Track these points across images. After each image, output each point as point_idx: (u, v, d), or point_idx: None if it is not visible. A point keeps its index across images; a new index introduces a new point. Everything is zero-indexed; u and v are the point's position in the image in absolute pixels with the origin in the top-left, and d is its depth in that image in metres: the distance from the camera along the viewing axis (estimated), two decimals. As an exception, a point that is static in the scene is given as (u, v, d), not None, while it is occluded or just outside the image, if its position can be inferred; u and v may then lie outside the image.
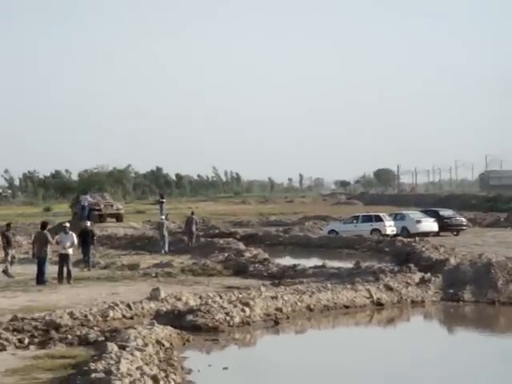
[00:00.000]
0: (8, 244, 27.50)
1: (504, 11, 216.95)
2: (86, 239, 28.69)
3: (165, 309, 19.28)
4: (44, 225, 26.45)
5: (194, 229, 39.27)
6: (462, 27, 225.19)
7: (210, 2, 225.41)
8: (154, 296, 20.16)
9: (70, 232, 26.20)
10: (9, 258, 27.41)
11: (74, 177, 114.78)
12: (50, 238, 25.54)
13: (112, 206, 53.45)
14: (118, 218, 52.94)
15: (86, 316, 17.88)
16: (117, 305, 18.92)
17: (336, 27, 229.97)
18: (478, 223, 53.76)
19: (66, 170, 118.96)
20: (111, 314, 18.34)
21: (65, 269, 25.45)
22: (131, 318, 18.56)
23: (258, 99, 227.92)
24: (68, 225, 27.18)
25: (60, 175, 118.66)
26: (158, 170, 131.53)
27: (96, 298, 21.78)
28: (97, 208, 51.67)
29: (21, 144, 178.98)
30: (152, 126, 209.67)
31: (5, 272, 26.99)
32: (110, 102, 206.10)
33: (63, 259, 25.52)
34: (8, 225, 28.98)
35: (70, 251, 25.71)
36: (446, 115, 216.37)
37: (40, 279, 25.15)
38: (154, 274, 27.67)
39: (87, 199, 51.61)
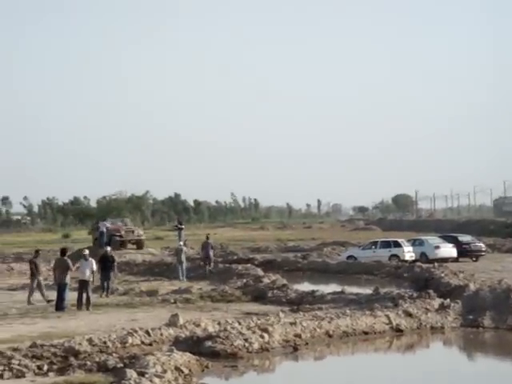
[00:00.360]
0: (36, 271, 27.68)
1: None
2: (106, 265, 28.81)
3: (183, 335, 19.27)
4: (64, 251, 26.58)
5: (211, 253, 39.32)
6: (478, 49, 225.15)
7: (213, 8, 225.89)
8: (172, 322, 20.16)
9: (90, 258, 26.32)
10: (34, 285, 27.57)
11: (93, 203, 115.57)
12: (70, 264, 25.65)
13: (133, 232, 53.30)
14: (139, 244, 52.73)
15: (104, 342, 17.89)
16: (135, 331, 18.93)
17: (351, 46, 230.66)
18: (497, 249, 53.47)
19: (85, 197, 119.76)
20: (130, 340, 18.35)
21: (84, 295, 25.54)
22: (150, 344, 18.55)
23: (275, 124, 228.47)
24: (87, 251, 27.27)
25: (79, 202, 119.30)
26: (176, 196, 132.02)
27: (115, 324, 21.81)
28: (118, 234, 51.57)
29: (39, 171, 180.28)
30: (170, 153, 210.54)
31: (48, 300, 27.12)
32: (127, 127, 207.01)
33: (83, 286, 25.60)
34: (37, 252, 29.21)
35: (90, 278, 25.79)
36: (464, 140, 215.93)
37: (59, 305, 25.22)
38: (172, 301, 27.68)
39: (106, 225, 51.64)
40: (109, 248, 31.01)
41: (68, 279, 25.61)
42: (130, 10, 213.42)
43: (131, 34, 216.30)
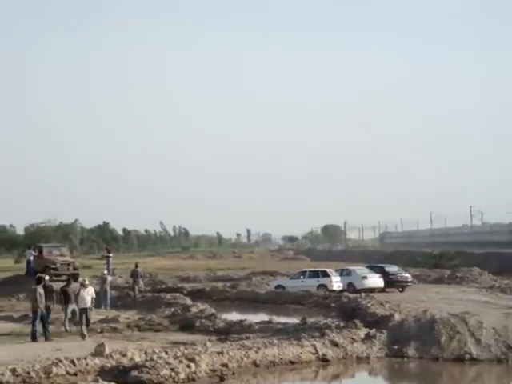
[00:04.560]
0: (66, 299, 27.50)
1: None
2: (45, 295, 28.03)
3: (109, 365, 19.14)
4: (39, 280, 26.24)
5: (140, 281, 39.25)
6: (401, 78, 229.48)
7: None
8: (98, 352, 20.00)
9: (89, 286, 26.70)
10: (68, 314, 27.53)
11: (20, 231, 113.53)
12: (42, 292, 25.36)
13: (69, 265, 51.01)
14: (74, 277, 51.19)
15: (28, 373, 17.67)
16: (60, 361, 18.72)
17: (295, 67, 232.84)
18: (423, 279, 54.19)
19: (11, 225, 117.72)
20: (55, 370, 18.15)
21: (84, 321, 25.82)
22: (75, 374, 18.39)
23: (206, 152, 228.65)
24: (87, 280, 27.85)
25: (5, 229, 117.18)
26: (105, 224, 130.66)
27: (39, 354, 21.43)
28: (53, 267, 49.75)
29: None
30: (99, 181, 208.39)
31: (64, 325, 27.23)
32: (55, 155, 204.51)
33: (84, 313, 25.83)
34: (68, 280, 28.99)
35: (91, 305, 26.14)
36: (393, 171, 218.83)
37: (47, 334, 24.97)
38: (99, 330, 27.45)
39: (31, 253, 50.53)
40: (47, 277, 30.25)
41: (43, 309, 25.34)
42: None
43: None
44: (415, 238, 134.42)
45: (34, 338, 24.75)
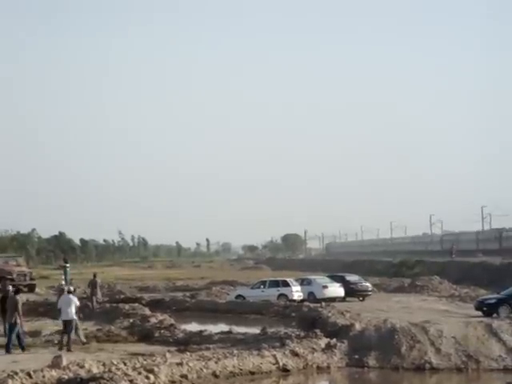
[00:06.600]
0: None
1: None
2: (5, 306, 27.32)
3: (67, 377, 18.84)
4: (18, 290, 25.66)
5: (98, 291, 38.79)
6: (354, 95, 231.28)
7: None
8: (55, 364, 19.69)
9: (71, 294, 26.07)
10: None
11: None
12: (19, 303, 24.75)
13: (25, 275, 50.56)
14: (31, 288, 50.72)
15: (-17, 386, 17.29)
16: (16, 373, 18.38)
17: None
18: (383, 288, 54.39)
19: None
20: (10, 383, 17.80)
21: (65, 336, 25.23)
22: (31, 387, 18.03)
23: (164, 163, 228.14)
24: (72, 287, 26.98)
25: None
26: (61, 234, 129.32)
27: (-5, 366, 21.06)
28: (9, 277, 49.18)
29: None
30: (56, 190, 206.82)
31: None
32: (11, 164, 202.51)
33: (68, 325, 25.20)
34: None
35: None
36: (355, 183, 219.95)
37: (9, 347, 24.25)
38: (56, 341, 26.98)
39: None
40: (11, 287, 29.64)
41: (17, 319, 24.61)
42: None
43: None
44: (356, 247, 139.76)
45: (8, 350, 24.18)
